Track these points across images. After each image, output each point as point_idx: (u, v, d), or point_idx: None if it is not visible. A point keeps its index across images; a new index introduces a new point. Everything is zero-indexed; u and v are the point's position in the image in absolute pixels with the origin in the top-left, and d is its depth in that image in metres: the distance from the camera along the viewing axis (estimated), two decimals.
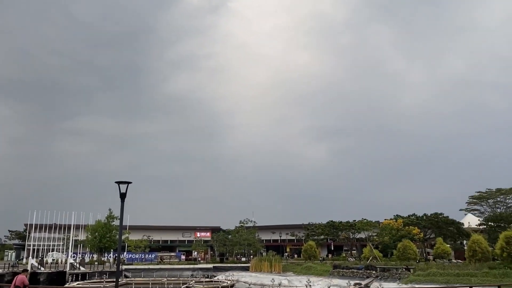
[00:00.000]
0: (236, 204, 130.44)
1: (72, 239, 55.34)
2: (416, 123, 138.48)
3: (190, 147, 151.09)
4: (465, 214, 64.28)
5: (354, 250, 64.67)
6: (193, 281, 39.21)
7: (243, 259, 66.98)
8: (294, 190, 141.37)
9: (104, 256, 58.31)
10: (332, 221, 63.15)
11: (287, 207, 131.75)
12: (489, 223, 49.08)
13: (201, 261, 64.97)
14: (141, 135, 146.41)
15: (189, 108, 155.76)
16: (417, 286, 26.68)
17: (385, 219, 58.64)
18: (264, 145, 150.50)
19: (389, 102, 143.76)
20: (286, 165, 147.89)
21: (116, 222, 54.72)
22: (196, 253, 72.97)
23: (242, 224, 72.53)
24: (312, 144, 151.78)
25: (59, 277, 41.36)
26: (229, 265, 58.62)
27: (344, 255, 65.85)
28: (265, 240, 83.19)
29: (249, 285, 40.37)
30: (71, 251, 53.65)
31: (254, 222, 73.83)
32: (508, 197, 68.97)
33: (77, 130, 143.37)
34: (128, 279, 44.56)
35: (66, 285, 34.65)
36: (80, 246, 61.00)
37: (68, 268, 43.71)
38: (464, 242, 49.53)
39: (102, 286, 29.66)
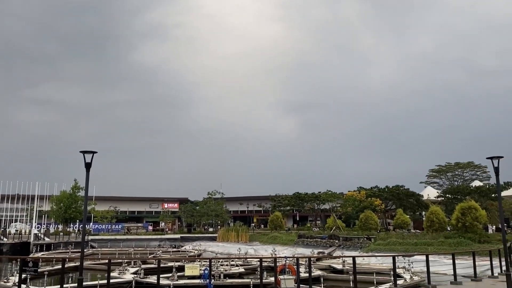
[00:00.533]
0: (204, 176, 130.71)
1: (36, 210, 54.51)
2: (382, 99, 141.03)
3: (157, 118, 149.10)
4: (425, 187, 66.93)
5: (318, 221, 66.56)
6: (160, 251, 39.70)
7: (211, 229, 67.93)
8: (262, 162, 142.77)
9: (70, 227, 57.87)
10: (298, 193, 64.56)
11: (255, 179, 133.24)
12: (447, 195, 51.34)
13: (169, 232, 65.50)
14: (107, 105, 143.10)
15: (156, 79, 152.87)
16: (377, 254, 27.97)
17: (349, 191, 60.42)
18: (233, 118, 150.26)
19: (358, 77, 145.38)
20: (255, 138, 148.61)
21: (82, 193, 54.14)
22: (163, 224, 73.40)
23: (210, 196, 73.17)
24: (281, 118, 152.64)
25: (22, 247, 41.01)
26: (196, 235, 59.50)
27: (309, 225, 67.73)
28: (233, 211, 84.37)
29: (216, 254, 41.23)
30: (35, 222, 52.94)
31: (222, 193, 74.62)
32: (465, 171, 72.27)
33: (40, 99, 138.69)
34: (94, 249, 44.62)
35: (30, 255, 34.40)
36: (44, 217, 60.16)
37: (32, 239, 43.30)
38: (423, 213, 51.73)
39: (67, 256, 29.67)
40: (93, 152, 10.99)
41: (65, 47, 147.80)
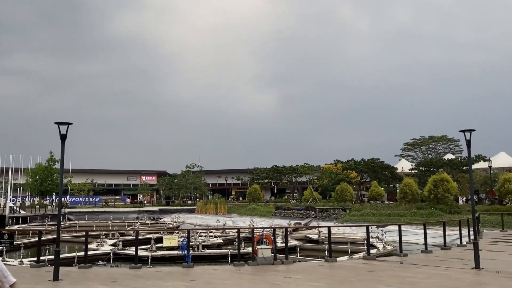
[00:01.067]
0: (183, 149, 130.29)
1: (11, 183, 53.61)
2: (360, 73, 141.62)
3: (134, 90, 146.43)
4: (399, 160, 68.34)
5: (295, 193, 67.57)
6: (139, 223, 39.81)
7: (189, 202, 68.21)
8: (241, 136, 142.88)
9: (46, 200, 57.25)
10: (276, 165, 65.16)
11: (233, 153, 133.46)
12: (420, 168, 52.62)
13: (147, 204, 65.51)
14: (82, 75, 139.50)
15: (133, 50, 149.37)
16: (351, 225, 28.69)
17: (326, 164, 61.30)
18: (212, 91, 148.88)
19: (337, 52, 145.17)
20: (234, 111, 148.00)
21: (58, 165, 53.35)
22: (141, 196, 73.27)
23: (189, 169, 73.16)
24: (260, 91, 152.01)
25: None
26: (175, 207, 59.66)
27: (286, 197, 68.74)
28: (211, 184, 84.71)
29: (195, 226, 41.58)
30: (10, 195, 52.15)
31: (201, 166, 74.69)
32: (439, 144, 73.96)
33: (13, 69, 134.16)
34: (71, 222, 44.41)
35: (6, 228, 34.01)
36: (20, 189, 59.29)
37: (7, 212, 42.73)
38: (397, 185, 53.01)
39: (44, 229, 29.48)
40: (68, 124, 10.83)
41: (38, 15, 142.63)
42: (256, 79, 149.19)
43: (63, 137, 10.85)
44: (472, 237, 16.16)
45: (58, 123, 10.78)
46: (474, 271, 11.40)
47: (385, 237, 20.45)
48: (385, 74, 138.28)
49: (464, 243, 18.43)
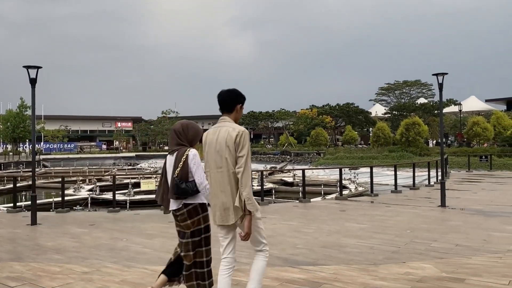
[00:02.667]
0: (158, 95, 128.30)
1: None
2: (336, 16, 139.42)
3: (106, 34, 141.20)
4: (374, 104, 69.27)
5: (271, 138, 68.24)
6: (116, 169, 39.84)
7: (166, 148, 68.21)
8: (217, 81, 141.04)
9: (20, 147, 56.27)
10: (252, 111, 65.15)
11: (210, 98, 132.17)
12: (393, 112, 53.56)
13: (124, 151, 65.23)
14: (51, 19, 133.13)
15: None
16: (325, 167, 29.42)
17: (302, 109, 61.63)
18: (187, 35, 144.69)
19: None
20: (210, 56, 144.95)
21: (30, 112, 52.03)
22: (117, 142, 72.72)
23: (165, 115, 72.48)
24: (237, 35, 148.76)
25: None
26: (152, 153, 59.64)
27: (263, 142, 69.43)
28: None
29: None
30: None
31: (177, 112, 74.02)
32: (412, 89, 75.01)
33: None
34: (47, 168, 44.09)
35: None
36: None
37: None
38: (370, 129, 54.07)
39: (19, 175, 29.19)
40: (38, 67, 10.50)
41: None
42: (232, 22, 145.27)
43: (33, 82, 10.55)
44: (440, 177, 16.89)
45: (27, 67, 10.45)
46: (440, 208, 12.03)
47: (357, 179, 21.17)
48: (361, 16, 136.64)
49: (432, 183, 19.28)
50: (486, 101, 59.34)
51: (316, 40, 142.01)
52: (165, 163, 3.91)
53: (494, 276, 5.21)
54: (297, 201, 14.54)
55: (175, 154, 3.80)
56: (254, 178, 20.41)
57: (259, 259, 3.58)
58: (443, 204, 12.32)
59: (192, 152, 3.80)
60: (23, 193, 22.53)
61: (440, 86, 12.76)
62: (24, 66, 10.48)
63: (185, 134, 3.84)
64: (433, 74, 12.77)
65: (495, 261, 6.18)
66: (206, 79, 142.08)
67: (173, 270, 4.07)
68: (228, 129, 3.40)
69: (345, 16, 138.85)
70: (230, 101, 3.54)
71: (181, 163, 3.70)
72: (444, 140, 20.49)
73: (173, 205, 3.83)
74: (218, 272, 3.63)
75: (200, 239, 3.86)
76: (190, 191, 3.69)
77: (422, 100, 58.33)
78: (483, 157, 28.66)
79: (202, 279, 3.85)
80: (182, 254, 3.90)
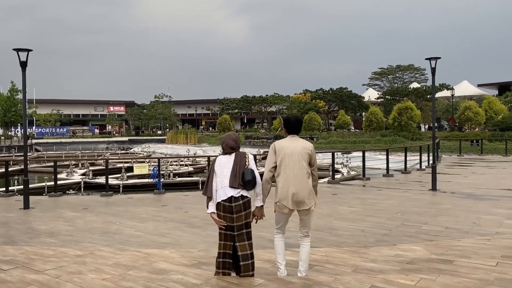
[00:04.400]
0: (150, 79, 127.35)
1: None
2: (331, 1, 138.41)
3: (99, 18, 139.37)
4: (367, 89, 69.22)
5: (265, 123, 68.20)
6: (109, 153, 39.69)
7: (159, 132, 67.99)
8: (210, 66, 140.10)
9: (11, 131, 55.85)
10: (246, 96, 64.92)
11: (203, 83, 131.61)
12: (386, 96, 53.62)
13: (116, 135, 64.96)
14: (42, 1, 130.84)
15: None
16: (318, 151, 29.52)
17: (295, 94, 61.50)
18: (179, 18, 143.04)
19: None
20: (203, 40, 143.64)
21: (21, 96, 51.53)
22: (110, 127, 72.38)
23: (157, 99, 72.08)
24: (230, 20, 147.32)
25: None
26: (145, 138, 59.51)
27: (256, 127, 69.41)
28: (181, 114, 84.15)
29: (165, 155, 41.87)
30: None
31: (170, 96, 73.61)
32: (405, 73, 75.06)
33: None
34: (39, 152, 43.85)
35: None
36: None
37: None
38: (363, 114, 54.16)
39: (11, 159, 29.00)
40: (28, 50, 10.37)
41: None
42: (225, 5, 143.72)
43: (23, 65, 10.44)
44: (431, 161, 17.03)
45: (17, 50, 10.32)
46: (431, 192, 12.17)
47: (350, 163, 21.28)
48: (357, 1, 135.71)
49: (423, 167, 19.44)
50: (478, 85, 59.59)
51: (311, 23, 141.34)
52: (214, 162, 4.52)
53: (482, 257, 5.31)
54: None
55: (233, 155, 4.48)
56: None
57: (308, 243, 4.68)
58: (434, 187, 12.46)
59: (251, 155, 4.56)
60: (16, 177, 22.42)
61: (433, 70, 12.79)
62: (14, 49, 10.36)
63: (238, 142, 4.60)
64: (426, 59, 12.79)
65: (484, 243, 6.29)
66: (199, 63, 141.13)
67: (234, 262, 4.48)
68: (303, 144, 4.55)
69: (340, 0, 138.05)
70: (300, 128, 4.69)
71: (246, 161, 4.43)
72: (436, 124, 20.64)
73: (231, 192, 4.31)
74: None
75: (249, 231, 4.40)
76: (254, 181, 4.35)
77: (415, 85, 58.39)
78: (474, 141, 28.90)
79: (252, 268, 4.43)
80: (237, 244, 4.33)
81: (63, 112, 74.17)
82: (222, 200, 4.30)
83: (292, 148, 4.50)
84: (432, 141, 15.95)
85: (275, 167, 4.51)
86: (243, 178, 4.32)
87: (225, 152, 4.56)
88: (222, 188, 4.32)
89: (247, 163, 4.42)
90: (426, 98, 47.20)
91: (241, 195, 4.31)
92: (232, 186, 4.29)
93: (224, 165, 4.45)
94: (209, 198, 4.39)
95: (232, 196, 4.28)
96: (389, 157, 17.61)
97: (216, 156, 4.68)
